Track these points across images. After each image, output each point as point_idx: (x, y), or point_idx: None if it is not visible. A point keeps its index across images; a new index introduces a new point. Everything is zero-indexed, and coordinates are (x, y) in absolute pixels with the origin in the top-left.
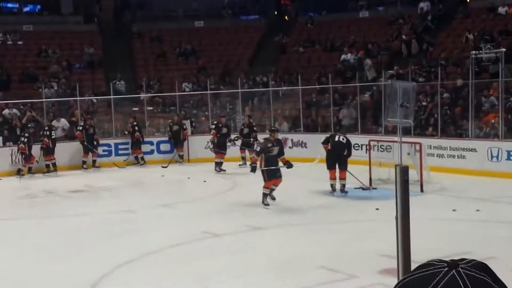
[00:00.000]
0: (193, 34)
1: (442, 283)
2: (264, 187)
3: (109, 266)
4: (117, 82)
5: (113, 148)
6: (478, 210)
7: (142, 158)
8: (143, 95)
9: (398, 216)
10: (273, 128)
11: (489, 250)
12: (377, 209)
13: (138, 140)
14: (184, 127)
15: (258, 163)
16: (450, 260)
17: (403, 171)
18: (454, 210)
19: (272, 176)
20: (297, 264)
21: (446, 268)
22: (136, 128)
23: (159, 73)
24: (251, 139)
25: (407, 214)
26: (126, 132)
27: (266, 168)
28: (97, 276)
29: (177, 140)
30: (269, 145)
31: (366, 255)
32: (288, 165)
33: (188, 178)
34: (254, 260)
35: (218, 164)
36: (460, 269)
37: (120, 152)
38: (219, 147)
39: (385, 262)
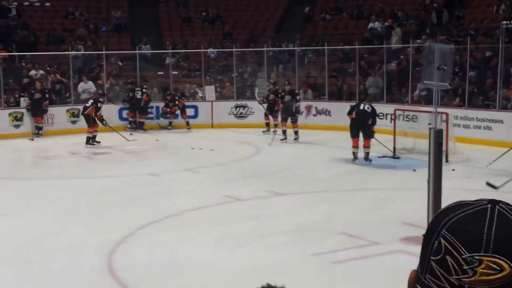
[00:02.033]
0: (219, 0)
1: (495, 220)
2: None
3: (132, 227)
4: (143, 46)
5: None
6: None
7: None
8: (168, 60)
9: (430, 179)
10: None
11: None
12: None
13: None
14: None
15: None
16: (487, 199)
17: (437, 134)
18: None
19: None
20: (318, 229)
21: (490, 205)
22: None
23: (185, 38)
24: (276, 106)
25: (440, 177)
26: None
27: None
28: (121, 236)
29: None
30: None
31: (388, 223)
32: None
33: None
34: (275, 225)
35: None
36: (501, 207)
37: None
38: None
39: (406, 230)
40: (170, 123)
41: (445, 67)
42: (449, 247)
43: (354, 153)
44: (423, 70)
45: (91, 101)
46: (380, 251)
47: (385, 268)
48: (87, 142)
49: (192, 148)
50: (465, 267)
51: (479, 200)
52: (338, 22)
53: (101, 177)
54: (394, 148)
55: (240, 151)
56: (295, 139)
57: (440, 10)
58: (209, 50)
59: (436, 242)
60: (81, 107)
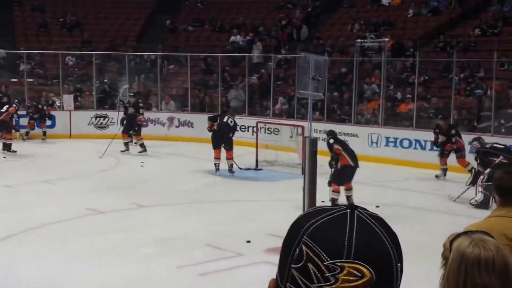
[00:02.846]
0: (78, 6)
1: (355, 225)
2: None
3: None
4: None
5: None
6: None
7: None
8: (22, 66)
9: (305, 187)
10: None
11: None
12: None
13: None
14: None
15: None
16: (345, 204)
17: (312, 143)
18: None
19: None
20: (184, 241)
21: (349, 210)
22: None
23: (41, 45)
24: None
25: (314, 184)
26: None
27: None
28: None
29: None
30: None
31: (252, 234)
32: None
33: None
34: (142, 237)
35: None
36: (359, 212)
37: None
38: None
39: (270, 241)
40: (27, 133)
41: (320, 78)
42: (311, 254)
43: (216, 165)
44: (298, 80)
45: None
46: (244, 263)
47: (249, 279)
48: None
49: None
50: (327, 274)
51: (338, 205)
52: (200, 34)
53: None
54: (257, 160)
55: (99, 163)
56: (140, 152)
57: (299, 26)
58: (67, 57)
59: (297, 250)
60: None
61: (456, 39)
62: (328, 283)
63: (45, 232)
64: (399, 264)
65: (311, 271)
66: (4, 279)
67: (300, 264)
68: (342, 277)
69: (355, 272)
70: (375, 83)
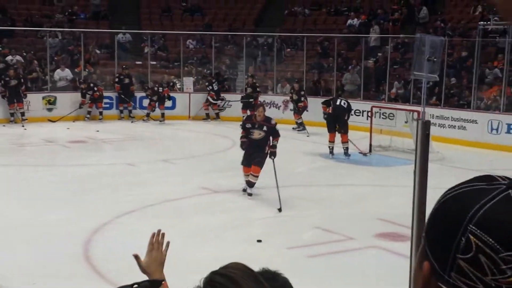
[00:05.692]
0: None
1: (494, 200)
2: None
3: (109, 215)
4: (121, 36)
5: (114, 101)
6: None
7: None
8: (147, 49)
9: (416, 171)
10: (257, 103)
11: None
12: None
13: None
14: None
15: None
16: (510, 179)
17: (425, 125)
18: None
19: (245, 162)
20: (294, 223)
21: (504, 187)
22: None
23: (164, 28)
24: (252, 100)
25: (425, 169)
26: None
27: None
28: (98, 224)
29: None
30: (248, 125)
31: (363, 218)
32: (271, 153)
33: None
34: (254, 217)
35: None
36: None
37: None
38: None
39: (380, 226)
40: (148, 114)
41: (435, 59)
42: (482, 245)
43: (330, 148)
44: (414, 61)
45: None
46: (354, 246)
47: (359, 263)
48: None
49: None
50: (503, 267)
51: (493, 183)
52: (317, 18)
53: (77, 165)
54: (370, 145)
55: (215, 144)
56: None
57: (419, 8)
58: (188, 41)
59: (462, 239)
60: (57, 94)
61: None
62: (505, 276)
63: (164, 208)
64: None
65: (484, 263)
66: (129, 251)
67: (470, 255)
68: None
69: None
70: (497, 67)
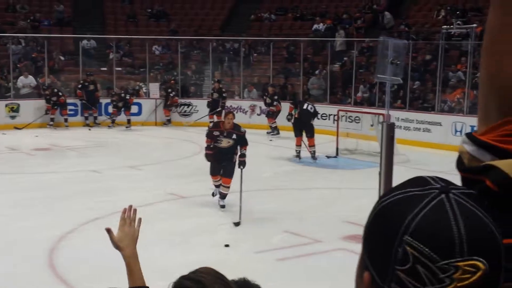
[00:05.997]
0: None
1: (458, 215)
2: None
3: (75, 222)
4: (86, 42)
5: (79, 108)
6: None
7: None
8: (112, 55)
9: (381, 172)
10: (228, 111)
11: None
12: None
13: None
14: None
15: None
16: (443, 181)
17: (390, 128)
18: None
19: (213, 171)
20: (263, 227)
21: (444, 195)
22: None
23: (129, 34)
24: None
25: (391, 171)
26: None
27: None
28: (64, 232)
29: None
30: (216, 133)
31: (330, 221)
32: (240, 163)
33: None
34: (221, 222)
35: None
36: (455, 195)
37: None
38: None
39: (348, 228)
40: (113, 121)
41: (398, 62)
42: (418, 256)
43: (297, 152)
44: (377, 64)
45: None
46: (322, 249)
47: (327, 266)
48: None
49: None
50: (441, 276)
51: (426, 187)
52: (283, 23)
53: (42, 173)
54: (337, 149)
55: (183, 149)
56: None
57: (382, 13)
58: (154, 47)
59: (399, 250)
60: (20, 102)
61: None
62: (443, 284)
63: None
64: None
65: (422, 273)
66: (95, 258)
67: (407, 266)
68: (458, 276)
69: (470, 268)
70: (461, 70)
